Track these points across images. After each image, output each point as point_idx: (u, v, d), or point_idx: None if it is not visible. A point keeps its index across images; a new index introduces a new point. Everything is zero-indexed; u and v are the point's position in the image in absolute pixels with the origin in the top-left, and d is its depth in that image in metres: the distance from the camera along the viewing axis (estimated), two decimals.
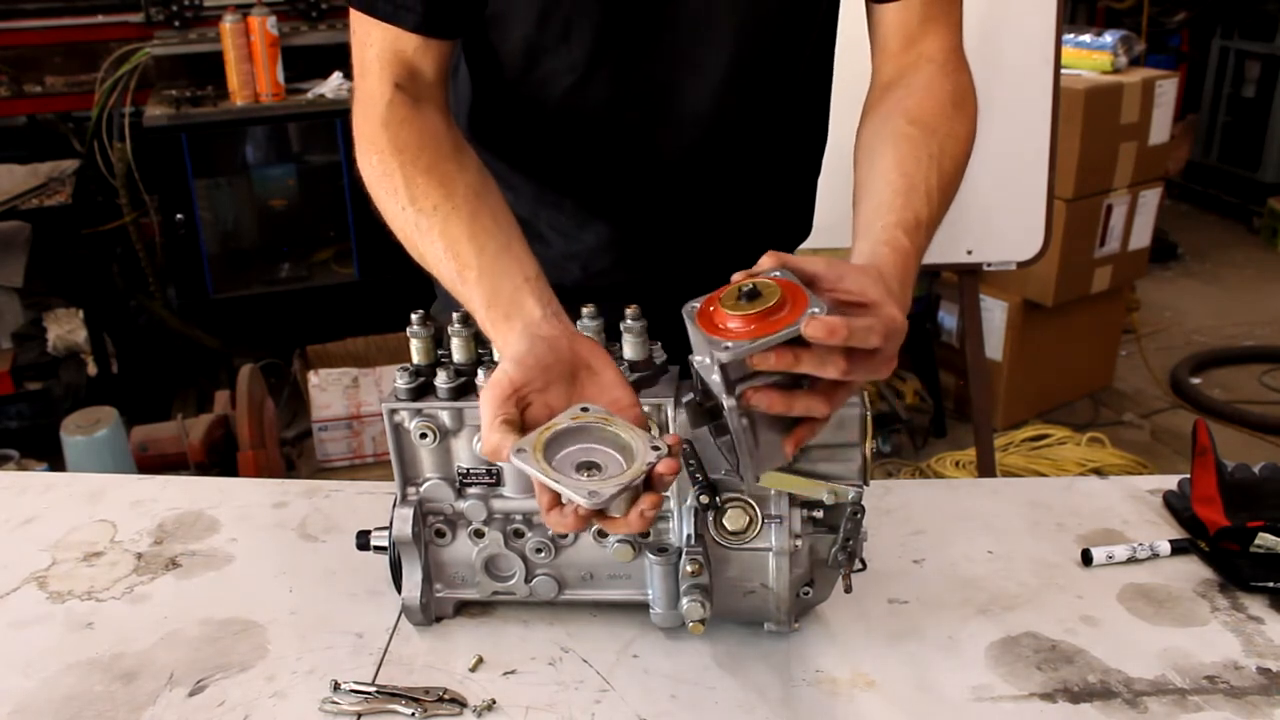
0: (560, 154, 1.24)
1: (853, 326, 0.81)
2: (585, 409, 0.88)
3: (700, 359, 0.85)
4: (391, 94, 1.07)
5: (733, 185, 1.26)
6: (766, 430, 0.88)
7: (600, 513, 0.84)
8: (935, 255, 2.45)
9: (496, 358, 1.06)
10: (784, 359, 0.83)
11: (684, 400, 0.89)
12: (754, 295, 0.83)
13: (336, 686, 1.02)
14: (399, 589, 1.11)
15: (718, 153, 1.22)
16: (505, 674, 1.04)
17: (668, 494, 1.04)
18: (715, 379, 0.84)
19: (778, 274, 0.85)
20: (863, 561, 1.09)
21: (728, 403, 0.85)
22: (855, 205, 1.04)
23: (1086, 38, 3.59)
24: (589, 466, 0.86)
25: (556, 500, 0.87)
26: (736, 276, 0.86)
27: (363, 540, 1.13)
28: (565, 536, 1.07)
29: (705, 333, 0.84)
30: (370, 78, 1.09)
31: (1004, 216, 2.46)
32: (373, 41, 1.08)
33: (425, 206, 1.01)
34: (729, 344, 0.82)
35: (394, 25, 1.07)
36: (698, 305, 0.86)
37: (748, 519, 1.02)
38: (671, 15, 1.11)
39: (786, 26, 1.17)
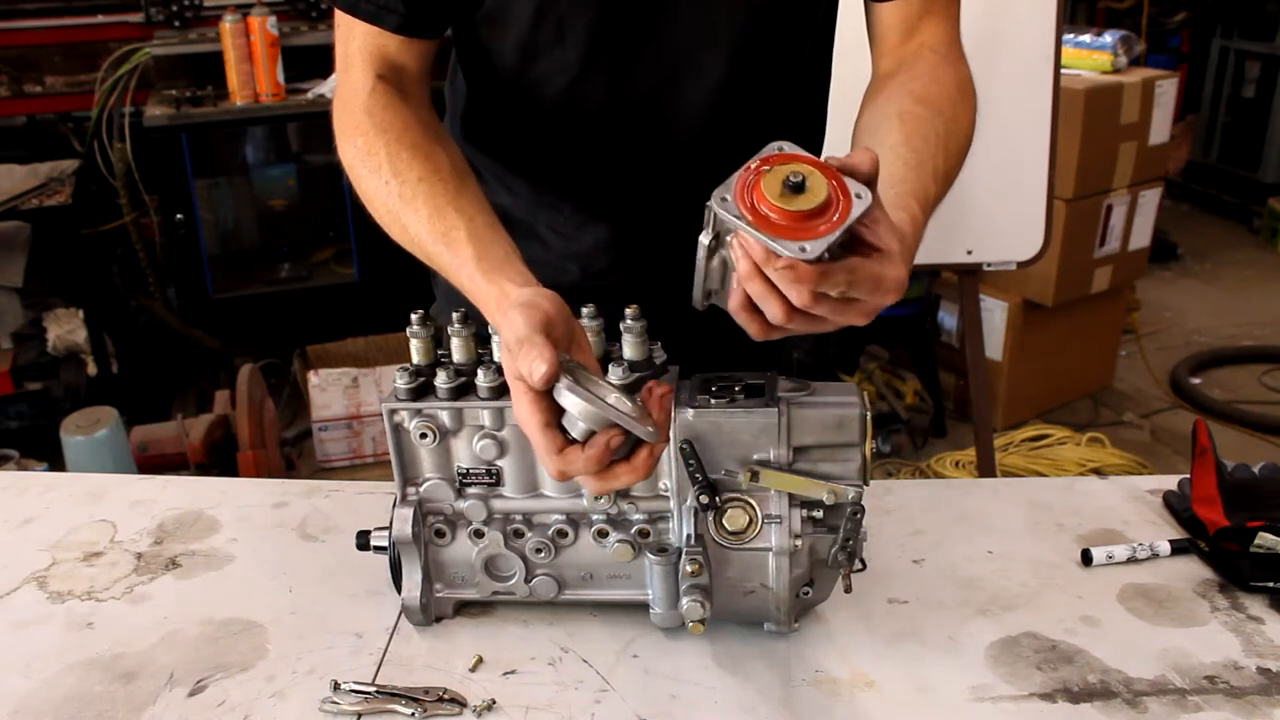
0: (557, 155, 1.24)
1: (822, 277, 0.81)
2: (563, 355, 0.87)
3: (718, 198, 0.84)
4: (374, 84, 1.09)
5: None
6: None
7: (619, 457, 0.86)
8: (935, 255, 2.49)
9: (495, 356, 1.06)
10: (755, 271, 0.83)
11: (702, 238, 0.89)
12: (799, 189, 0.81)
13: (336, 686, 1.01)
14: (399, 589, 1.11)
15: (715, 153, 1.21)
16: (505, 674, 1.04)
17: (668, 492, 1.04)
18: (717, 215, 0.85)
19: (801, 152, 0.83)
20: (863, 561, 1.09)
21: (703, 238, 0.87)
22: None
23: (1086, 38, 3.59)
24: (594, 395, 0.85)
25: (564, 441, 0.86)
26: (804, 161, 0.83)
27: (363, 540, 1.13)
28: (565, 536, 1.07)
29: (738, 204, 0.83)
30: (354, 71, 1.10)
31: (1004, 216, 2.46)
32: (355, 37, 1.10)
33: (410, 178, 1.01)
34: (735, 213, 0.82)
35: (376, 26, 1.08)
36: (731, 195, 0.84)
37: (747, 519, 1.02)
38: (667, 15, 1.11)
39: (784, 25, 1.17)
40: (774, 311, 0.85)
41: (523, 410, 0.86)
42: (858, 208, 0.82)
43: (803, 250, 0.80)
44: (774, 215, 0.81)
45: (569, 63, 1.13)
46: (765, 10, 1.14)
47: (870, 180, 0.83)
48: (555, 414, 0.86)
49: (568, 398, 0.84)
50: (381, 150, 1.04)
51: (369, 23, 1.08)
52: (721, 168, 1.23)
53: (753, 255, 0.82)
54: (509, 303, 0.91)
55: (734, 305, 0.89)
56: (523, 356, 0.84)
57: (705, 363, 1.04)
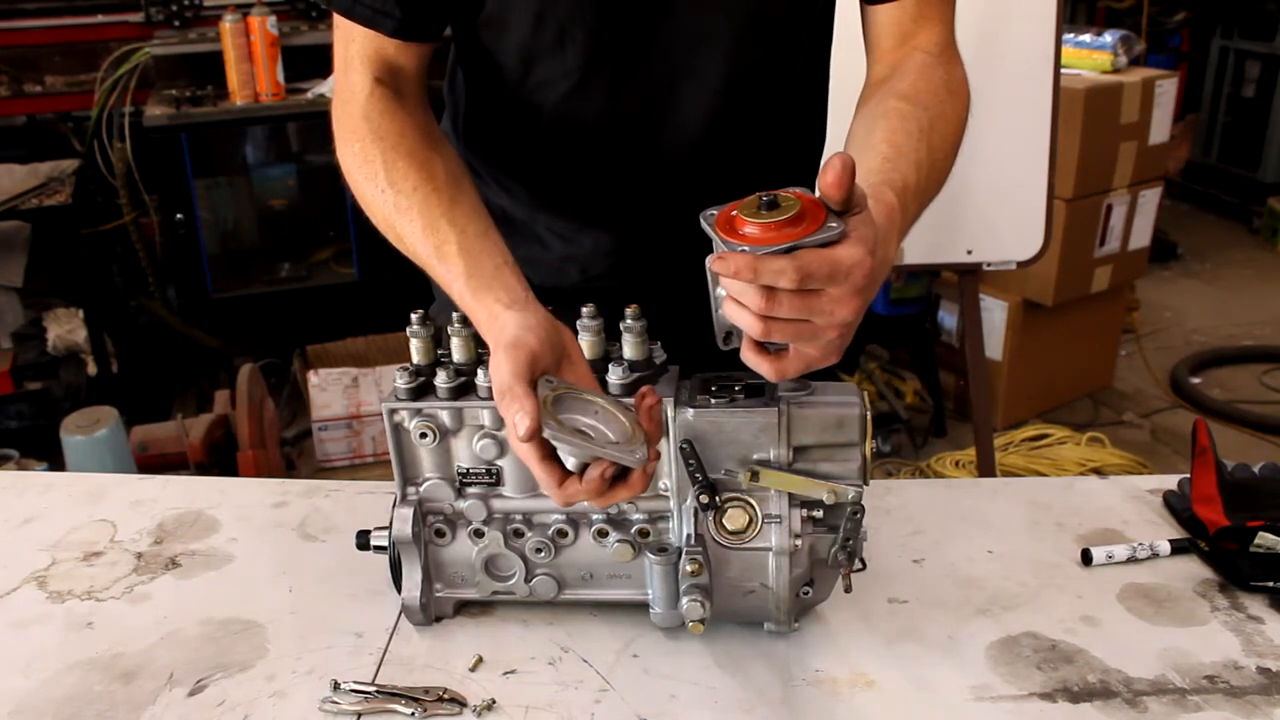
0: (558, 160, 1.24)
1: (760, 268, 0.80)
2: (550, 380, 0.91)
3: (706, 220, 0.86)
4: (372, 87, 1.10)
5: (730, 189, 1.25)
6: None
7: (617, 478, 0.90)
8: (935, 255, 2.50)
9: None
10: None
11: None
12: (773, 206, 0.83)
13: (336, 686, 1.02)
14: (399, 589, 1.11)
15: (715, 157, 1.22)
16: (505, 674, 1.04)
17: (668, 492, 1.04)
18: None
19: (799, 189, 0.86)
20: (863, 561, 1.08)
21: (709, 261, 0.87)
22: None
23: (1086, 38, 3.59)
24: (579, 433, 0.89)
25: (563, 473, 0.90)
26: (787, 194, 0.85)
27: (363, 540, 1.13)
28: (565, 536, 1.07)
29: (717, 230, 0.85)
30: (352, 73, 1.11)
31: (1004, 216, 2.47)
32: (355, 39, 1.11)
33: (405, 188, 1.03)
34: (710, 223, 0.84)
35: (373, 30, 1.08)
36: (716, 212, 0.86)
37: (747, 519, 1.02)
38: (667, 21, 1.11)
39: (782, 29, 1.17)
40: (747, 322, 0.84)
41: (520, 447, 0.90)
42: (820, 235, 0.82)
43: (743, 249, 0.82)
44: (744, 229, 0.83)
45: (570, 69, 1.13)
46: (762, 13, 1.13)
47: (843, 201, 0.82)
48: (551, 447, 0.90)
49: (555, 441, 0.88)
50: (378, 158, 1.05)
51: (366, 26, 1.09)
52: (721, 172, 1.24)
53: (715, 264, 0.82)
54: (496, 329, 0.94)
55: (744, 352, 0.91)
56: (505, 409, 0.88)
57: (705, 363, 1.04)
